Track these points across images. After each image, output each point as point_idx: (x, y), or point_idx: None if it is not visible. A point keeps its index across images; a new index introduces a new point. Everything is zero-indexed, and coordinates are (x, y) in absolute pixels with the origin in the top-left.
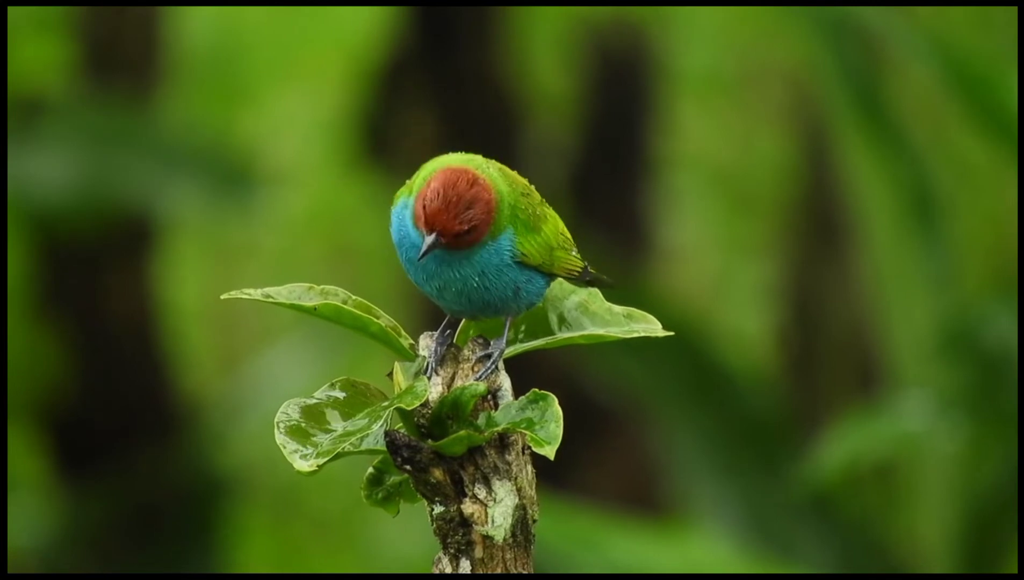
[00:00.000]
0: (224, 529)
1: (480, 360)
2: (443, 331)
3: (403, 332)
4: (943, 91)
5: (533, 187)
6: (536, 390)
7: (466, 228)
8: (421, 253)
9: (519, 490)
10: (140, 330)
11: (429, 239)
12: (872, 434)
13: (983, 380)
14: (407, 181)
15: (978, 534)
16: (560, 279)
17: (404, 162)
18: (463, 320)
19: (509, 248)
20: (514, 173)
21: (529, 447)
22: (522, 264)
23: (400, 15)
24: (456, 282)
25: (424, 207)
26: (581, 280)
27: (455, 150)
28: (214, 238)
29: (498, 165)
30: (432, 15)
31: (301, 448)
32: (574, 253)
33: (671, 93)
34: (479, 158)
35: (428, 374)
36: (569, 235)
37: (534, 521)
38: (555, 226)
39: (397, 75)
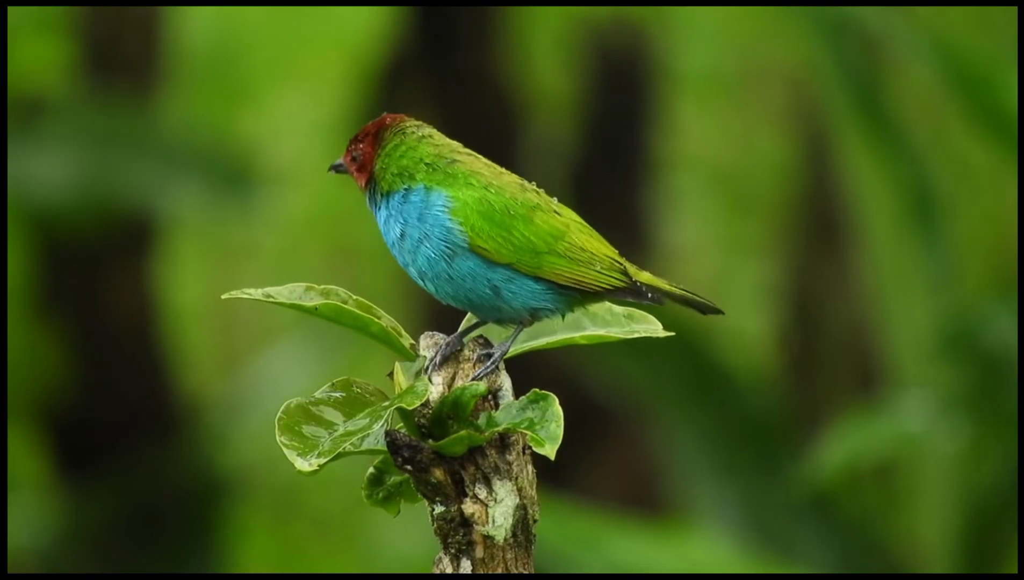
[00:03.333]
0: (224, 529)
1: (480, 360)
2: (460, 335)
3: (403, 332)
4: (943, 91)
5: (541, 192)
6: (537, 390)
7: (354, 148)
8: (329, 166)
9: (520, 490)
10: (140, 330)
11: (339, 159)
12: (872, 434)
13: (983, 380)
14: None
15: (978, 534)
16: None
17: None
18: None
19: (442, 205)
20: (499, 170)
21: (529, 447)
22: (488, 259)
23: (400, 15)
24: (389, 233)
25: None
26: (641, 299)
27: None
28: (214, 238)
29: (486, 161)
30: (432, 15)
31: (302, 448)
32: (597, 268)
33: (671, 93)
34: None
35: (428, 374)
36: (603, 252)
37: (535, 521)
38: (549, 231)
39: (397, 75)
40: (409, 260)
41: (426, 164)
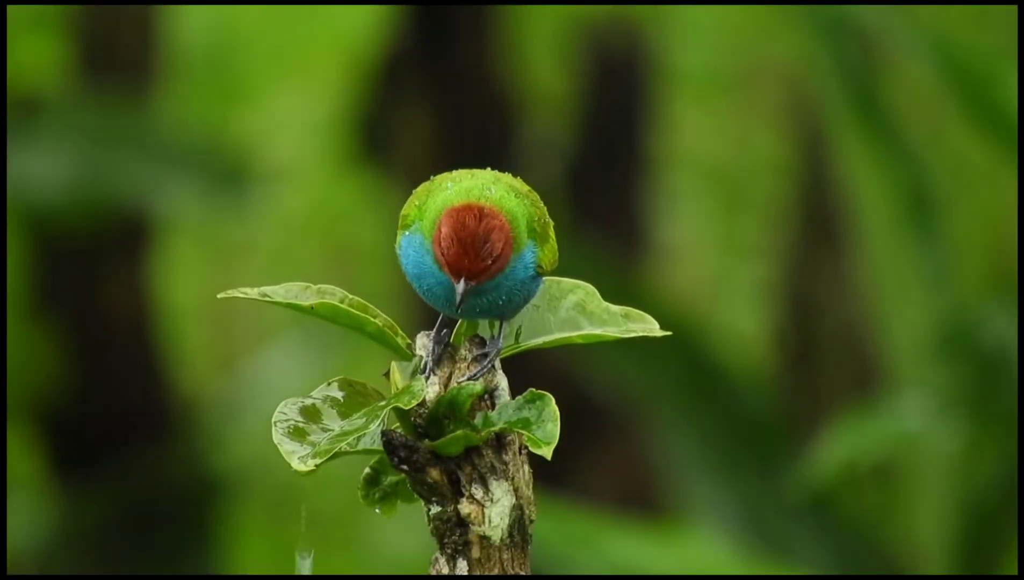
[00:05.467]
0: (220, 529)
1: (476, 359)
2: (439, 330)
3: (400, 331)
4: (941, 90)
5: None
6: (533, 390)
7: (490, 262)
8: (458, 302)
9: (516, 490)
10: (136, 329)
11: (460, 287)
12: (870, 434)
13: (981, 380)
14: (411, 202)
15: (977, 534)
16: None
17: (401, 160)
18: (459, 320)
19: (532, 261)
20: (519, 181)
21: (526, 447)
22: (538, 275)
23: (397, 13)
24: (484, 306)
25: (444, 255)
26: None
27: (452, 149)
28: (211, 236)
29: (508, 179)
30: (429, 13)
31: (298, 448)
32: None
33: (668, 91)
34: (482, 176)
35: (425, 374)
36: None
37: (531, 521)
38: (550, 223)
39: (394, 73)
40: (483, 305)
41: (533, 204)
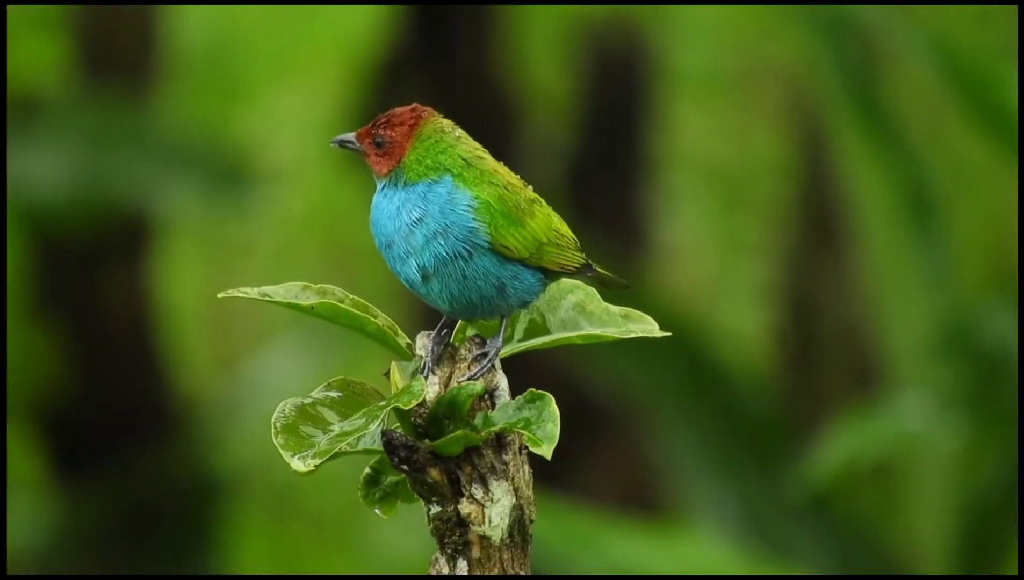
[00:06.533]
0: (221, 529)
1: (476, 359)
2: (440, 330)
3: (400, 331)
4: (941, 89)
5: (526, 184)
6: (533, 390)
7: (376, 131)
8: (330, 141)
9: (516, 490)
10: (137, 329)
11: (345, 135)
12: (870, 434)
13: (981, 379)
14: None
15: (977, 534)
16: (563, 279)
17: None
18: (460, 320)
19: (462, 204)
20: (506, 168)
21: (526, 447)
22: (503, 257)
23: (397, 13)
24: (401, 217)
25: None
26: (582, 276)
27: None
28: (211, 237)
29: (496, 165)
30: (429, 13)
31: (298, 448)
32: (572, 251)
33: (668, 91)
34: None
35: (425, 374)
36: (569, 234)
37: (531, 521)
38: (546, 222)
39: (393, 73)
40: (413, 250)
41: (463, 160)
